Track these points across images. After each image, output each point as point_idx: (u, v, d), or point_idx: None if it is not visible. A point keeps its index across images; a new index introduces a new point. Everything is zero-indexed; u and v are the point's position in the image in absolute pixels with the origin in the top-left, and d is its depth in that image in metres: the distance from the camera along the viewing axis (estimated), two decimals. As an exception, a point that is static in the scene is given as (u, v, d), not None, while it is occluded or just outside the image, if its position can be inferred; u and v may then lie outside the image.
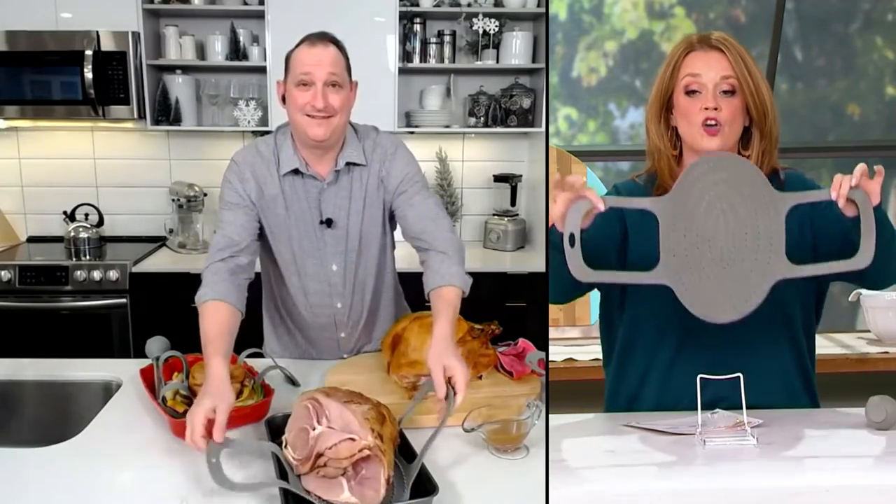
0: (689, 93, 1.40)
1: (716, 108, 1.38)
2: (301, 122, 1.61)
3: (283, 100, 1.66)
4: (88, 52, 3.04)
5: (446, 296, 1.58)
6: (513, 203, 3.50)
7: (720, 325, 1.39)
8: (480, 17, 3.24)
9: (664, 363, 1.47)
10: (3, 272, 2.99)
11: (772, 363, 1.44)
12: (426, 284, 1.64)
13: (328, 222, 1.72)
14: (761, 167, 1.42)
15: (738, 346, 1.42)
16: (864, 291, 2.39)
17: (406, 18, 3.33)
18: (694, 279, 1.30)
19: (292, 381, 1.72)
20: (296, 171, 1.69)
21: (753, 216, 1.30)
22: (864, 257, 1.27)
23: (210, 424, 1.24)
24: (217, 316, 1.53)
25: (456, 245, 1.71)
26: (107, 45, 3.08)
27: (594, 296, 2.47)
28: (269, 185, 1.69)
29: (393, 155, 1.74)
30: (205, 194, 3.39)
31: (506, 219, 3.43)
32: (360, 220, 1.74)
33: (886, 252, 1.34)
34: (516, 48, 3.31)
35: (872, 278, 1.41)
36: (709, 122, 1.38)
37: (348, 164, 1.71)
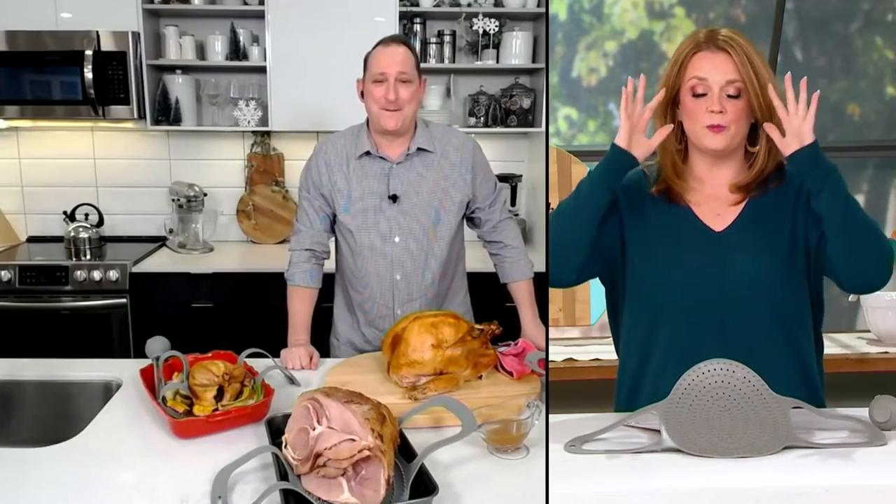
0: (696, 95, 1.42)
1: (721, 112, 1.39)
2: (376, 113, 1.87)
3: (362, 95, 1.92)
4: (88, 52, 3.05)
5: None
6: (513, 203, 3.50)
7: (713, 323, 1.42)
8: (480, 17, 3.25)
9: (660, 356, 1.48)
10: (3, 272, 3.00)
11: (765, 362, 1.43)
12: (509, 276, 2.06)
13: (394, 198, 1.92)
14: (767, 163, 1.44)
15: (729, 345, 1.42)
16: (864, 291, 2.39)
17: (406, 18, 3.33)
18: (700, 447, 1.27)
19: (292, 381, 1.72)
20: (368, 153, 1.93)
21: (755, 417, 1.26)
22: None
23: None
24: (300, 301, 1.97)
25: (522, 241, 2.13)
26: (107, 45, 3.08)
27: (594, 296, 2.48)
28: (343, 166, 1.94)
29: (472, 151, 2.00)
30: (205, 194, 3.40)
31: (506, 219, 3.43)
32: (427, 199, 1.94)
33: (855, 248, 1.35)
34: (516, 48, 3.31)
35: (848, 277, 1.40)
36: (714, 125, 1.40)
37: (419, 149, 1.93)
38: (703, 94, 1.41)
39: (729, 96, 1.40)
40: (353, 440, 1.17)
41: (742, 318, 1.43)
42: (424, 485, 1.18)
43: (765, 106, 1.40)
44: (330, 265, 2.07)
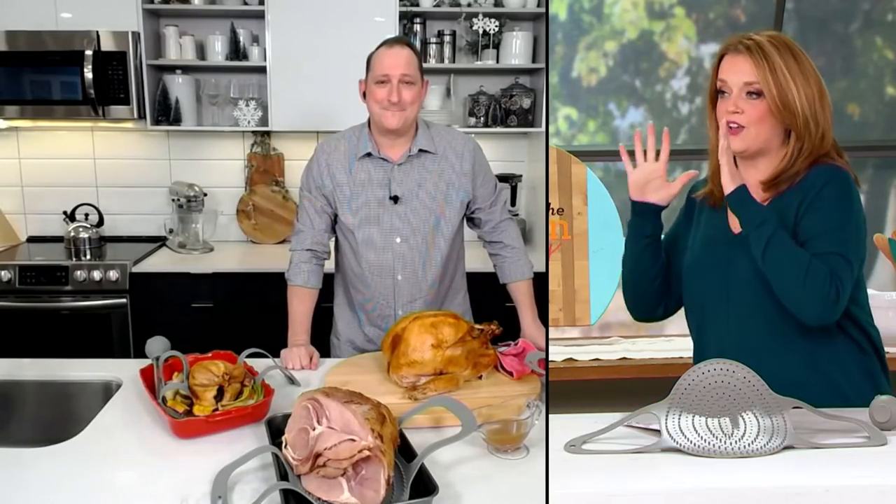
0: (720, 93, 1.46)
1: (736, 112, 1.43)
2: (379, 114, 1.88)
3: (364, 95, 1.93)
4: (88, 52, 3.05)
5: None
6: (513, 203, 3.50)
7: (725, 321, 1.49)
8: (480, 17, 3.25)
9: (699, 349, 1.58)
10: (3, 272, 3.00)
11: (773, 362, 1.43)
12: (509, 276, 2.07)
13: (395, 199, 1.92)
14: (794, 163, 1.44)
15: (739, 343, 1.46)
16: (864, 291, 2.38)
17: (406, 18, 3.33)
18: (700, 447, 1.27)
19: (292, 381, 1.72)
20: (369, 154, 1.93)
21: (755, 417, 1.26)
22: None
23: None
24: (301, 301, 1.97)
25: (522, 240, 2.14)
26: (107, 45, 3.08)
27: (594, 296, 2.48)
28: (344, 167, 1.95)
29: (473, 152, 2.00)
30: (205, 194, 3.39)
31: (506, 219, 3.43)
32: (429, 200, 1.95)
33: (780, 287, 1.38)
34: (516, 48, 3.31)
35: (789, 308, 1.40)
36: (730, 124, 1.43)
37: (420, 150, 1.94)
38: (726, 93, 1.45)
39: (750, 94, 1.42)
40: (353, 440, 1.17)
41: (746, 317, 1.46)
42: (424, 485, 1.19)
43: (783, 107, 1.41)
44: (330, 265, 2.07)
